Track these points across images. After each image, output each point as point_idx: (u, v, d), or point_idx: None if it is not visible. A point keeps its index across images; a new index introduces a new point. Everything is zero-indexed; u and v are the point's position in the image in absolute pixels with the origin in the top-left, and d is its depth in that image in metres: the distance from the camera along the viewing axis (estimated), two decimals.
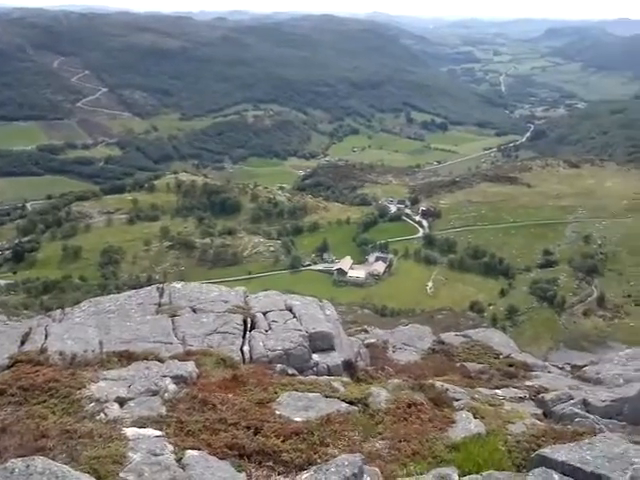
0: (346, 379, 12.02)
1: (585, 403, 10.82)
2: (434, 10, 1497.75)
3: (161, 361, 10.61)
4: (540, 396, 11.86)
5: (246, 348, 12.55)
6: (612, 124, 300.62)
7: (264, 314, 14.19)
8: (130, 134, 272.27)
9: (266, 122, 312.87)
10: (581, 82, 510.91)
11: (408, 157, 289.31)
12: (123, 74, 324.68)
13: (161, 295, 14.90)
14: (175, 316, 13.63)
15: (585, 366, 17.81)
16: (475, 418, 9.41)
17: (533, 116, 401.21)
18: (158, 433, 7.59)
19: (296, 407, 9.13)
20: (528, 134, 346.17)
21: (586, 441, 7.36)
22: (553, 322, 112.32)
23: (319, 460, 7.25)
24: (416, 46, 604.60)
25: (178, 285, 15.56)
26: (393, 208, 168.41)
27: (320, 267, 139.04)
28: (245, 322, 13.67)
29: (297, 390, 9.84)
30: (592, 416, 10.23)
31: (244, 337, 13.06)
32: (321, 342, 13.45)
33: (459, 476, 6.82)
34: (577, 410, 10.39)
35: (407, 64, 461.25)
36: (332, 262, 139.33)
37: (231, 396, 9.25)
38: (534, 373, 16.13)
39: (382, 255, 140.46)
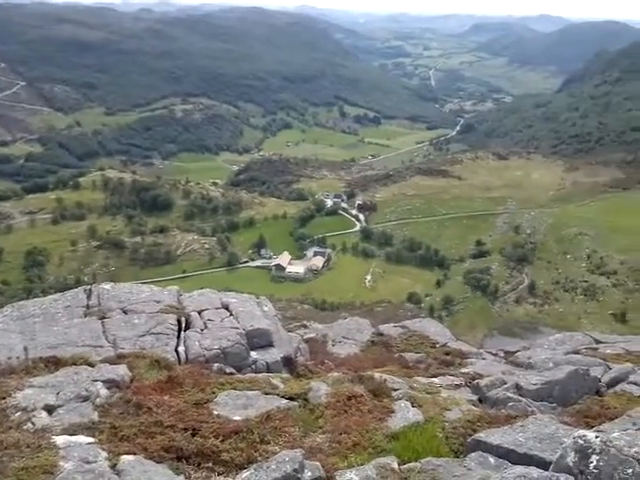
0: (286, 375, 11.94)
1: (517, 387, 11.16)
2: (364, 4, 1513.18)
3: (91, 365, 10.16)
4: (475, 382, 12.16)
5: (181, 348, 12.21)
6: (537, 117, 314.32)
7: (199, 313, 13.83)
8: (52, 130, 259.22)
9: (196, 116, 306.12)
10: (506, 76, 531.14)
11: (343, 151, 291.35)
12: (42, 67, 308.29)
13: (89, 297, 14.25)
14: (105, 318, 13.09)
15: (517, 352, 18.41)
16: (413, 407, 9.53)
17: (462, 110, 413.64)
18: (90, 440, 7.30)
19: (235, 406, 8.98)
20: (458, 128, 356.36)
21: (519, 424, 7.59)
22: (487, 310, 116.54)
23: (260, 458, 7.16)
24: (347, 40, 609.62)
25: (107, 286, 14.93)
26: (330, 202, 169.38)
27: (258, 263, 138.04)
28: (179, 322, 13.28)
29: (235, 389, 9.67)
30: (524, 399, 10.56)
31: (179, 337, 12.68)
32: (259, 339, 13.28)
33: (398, 464, 6.90)
34: (510, 394, 10.71)
35: (338, 58, 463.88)
36: (270, 258, 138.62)
37: (167, 398, 8.97)
38: (469, 360, 16.52)
39: (320, 250, 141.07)
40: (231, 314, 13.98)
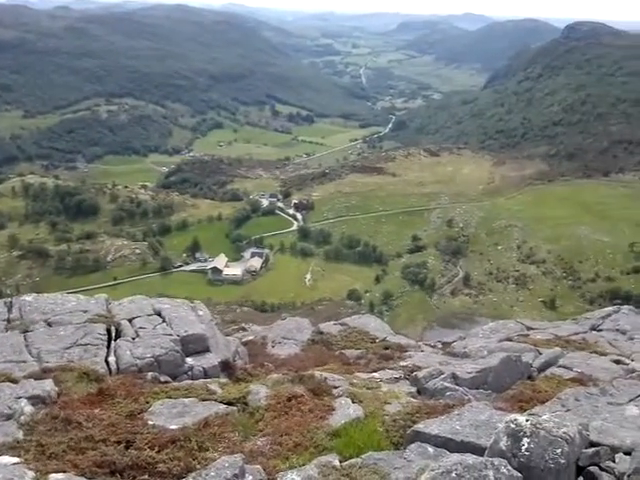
0: (224, 380, 11.69)
1: (454, 376, 11.38)
2: (290, 2, 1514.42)
3: (14, 382, 9.62)
4: (414, 374, 12.31)
5: (112, 359, 11.72)
6: (465, 114, 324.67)
7: (130, 321, 13.34)
8: None
9: (122, 117, 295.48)
10: (434, 74, 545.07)
11: (277, 150, 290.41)
12: None
13: (10, 310, 13.47)
14: (27, 332, 12.39)
15: (454, 342, 18.81)
16: (354, 403, 9.54)
17: (394, 107, 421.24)
18: (16, 460, 6.91)
19: (171, 415, 8.71)
20: (390, 125, 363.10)
21: (455, 412, 7.72)
22: (425, 303, 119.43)
23: (198, 466, 6.97)
24: (276, 38, 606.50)
25: (29, 298, 14.14)
26: (265, 202, 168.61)
27: (193, 267, 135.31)
28: (109, 331, 12.76)
29: (171, 397, 9.40)
30: (461, 388, 10.79)
31: (109, 347, 12.19)
32: (195, 345, 12.95)
33: (340, 462, 6.88)
34: (447, 384, 10.91)
35: (268, 56, 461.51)
36: (206, 261, 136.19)
37: (98, 411, 8.64)
38: (408, 353, 16.71)
39: (258, 250, 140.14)
40: (164, 320, 13.56)
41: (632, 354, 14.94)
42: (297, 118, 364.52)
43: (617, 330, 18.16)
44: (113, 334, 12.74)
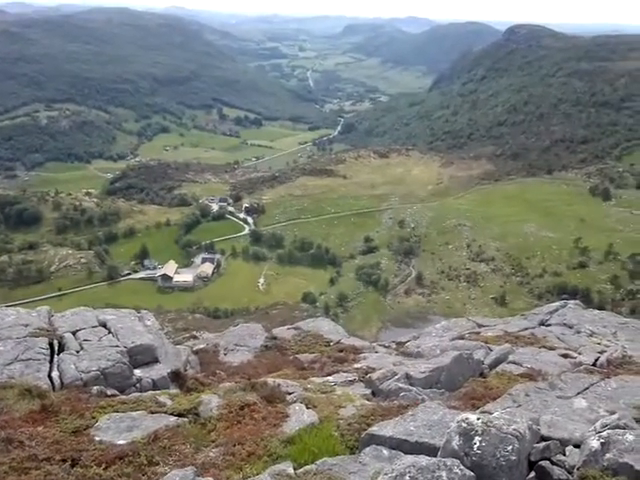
0: (174, 391, 11.40)
1: (408, 377, 11.44)
2: (233, 5, 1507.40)
3: None
4: (368, 376, 12.31)
5: (55, 374, 11.26)
6: (412, 116, 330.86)
7: (74, 333, 12.94)
8: None
9: (63, 123, 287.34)
10: (381, 77, 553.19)
11: (225, 154, 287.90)
12: None
13: None
14: None
15: (408, 341, 18.95)
16: (308, 408, 9.46)
17: (342, 110, 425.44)
18: None
19: (118, 429, 8.48)
20: (339, 127, 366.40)
21: (409, 413, 7.72)
22: (380, 304, 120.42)
23: None
24: (220, 42, 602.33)
25: None
26: (215, 207, 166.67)
27: (142, 275, 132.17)
28: (52, 345, 12.30)
29: (118, 411, 9.14)
30: (414, 388, 10.85)
31: (52, 362, 11.71)
32: (142, 356, 12.63)
33: (294, 469, 6.79)
34: (401, 385, 10.94)
35: (213, 60, 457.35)
36: (155, 268, 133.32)
37: (41, 429, 8.32)
38: (362, 355, 16.75)
39: (209, 256, 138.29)
40: (110, 332, 13.23)
41: (579, 347, 15.37)
42: (245, 121, 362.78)
43: (564, 324, 18.67)
44: (56, 348, 12.28)
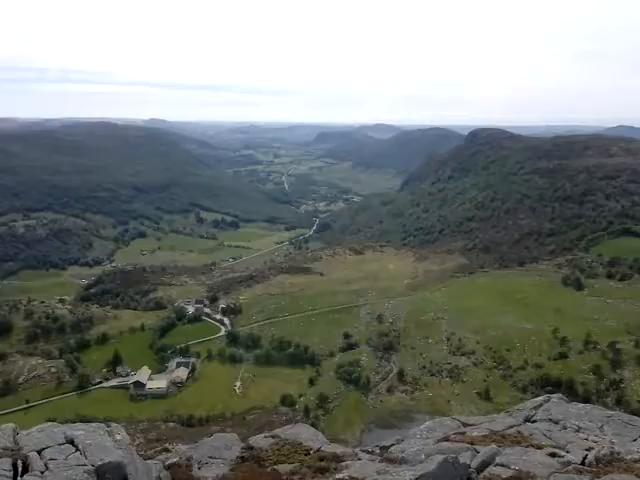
0: None
1: None
2: (211, 116, 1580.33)
3: None
4: None
5: None
6: (385, 214, 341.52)
7: (39, 452, 12.09)
8: None
9: (39, 231, 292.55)
10: (353, 179, 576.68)
11: (202, 256, 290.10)
12: None
13: None
14: None
15: (392, 445, 17.96)
16: None
17: (317, 210, 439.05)
18: None
19: None
20: (315, 227, 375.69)
21: None
22: (361, 404, 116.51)
23: None
24: (198, 150, 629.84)
25: None
26: (191, 309, 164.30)
27: (114, 382, 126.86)
28: (15, 466, 11.36)
29: None
30: None
31: None
32: (111, 474, 11.72)
33: None
34: None
35: (191, 167, 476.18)
36: (128, 375, 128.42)
37: None
38: (344, 463, 15.74)
39: (184, 360, 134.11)
40: (77, 449, 12.43)
41: (567, 444, 14.68)
42: (222, 224, 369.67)
43: (550, 420, 17.98)
44: (20, 469, 11.39)
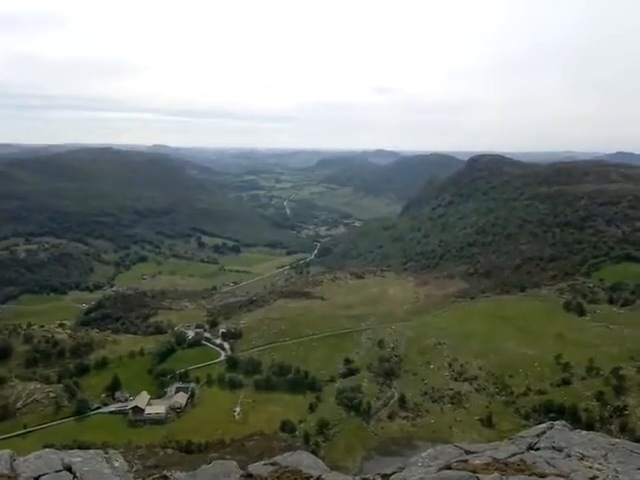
0: None
1: None
2: (214, 142, 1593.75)
3: None
4: None
5: None
6: (386, 238, 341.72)
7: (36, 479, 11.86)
8: None
9: (41, 256, 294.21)
10: (354, 204, 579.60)
11: (203, 280, 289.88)
12: None
13: None
14: None
15: (393, 473, 17.67)
16: None
17: (318, 235, 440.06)
18: None
19: None
20: (316, 251, 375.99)
21: None
22: (363, 430, 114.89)
23: None
24: (201, 175, 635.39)
25: None
26: (191, 333, 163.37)
27: (112, 408, 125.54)
28: None
29: None
30: None
31: None
32: None
33: None
34: None
35: (194, 192, 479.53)
36: (126, 400, 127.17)
37: None
38: None
39: (183, 385, 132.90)
40: (75, 476, 12.20)
41: (571, 472, 14.40)
42: (223, 249, 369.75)
43: (553, 448, 17.71)
44: None
